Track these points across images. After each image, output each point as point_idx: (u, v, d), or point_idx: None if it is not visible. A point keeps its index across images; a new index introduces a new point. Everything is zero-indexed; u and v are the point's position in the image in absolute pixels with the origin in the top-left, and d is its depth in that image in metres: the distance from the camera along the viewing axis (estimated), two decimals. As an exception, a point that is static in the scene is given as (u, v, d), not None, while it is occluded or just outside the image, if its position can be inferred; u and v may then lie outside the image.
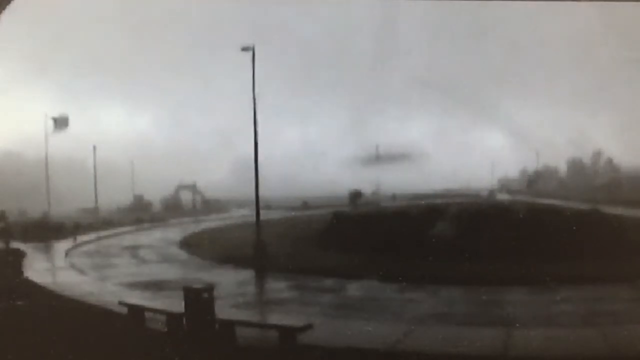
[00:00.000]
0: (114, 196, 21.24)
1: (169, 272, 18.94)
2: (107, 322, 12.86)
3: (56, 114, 18.92)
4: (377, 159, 21.55)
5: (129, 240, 23.58)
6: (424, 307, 14.81)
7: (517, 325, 12.61)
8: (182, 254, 21.90)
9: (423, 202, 22.94)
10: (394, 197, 23.82)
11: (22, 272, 17.36)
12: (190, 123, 20.26)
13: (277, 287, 17.55)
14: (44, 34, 16.78)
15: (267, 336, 11.83)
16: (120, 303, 13.81)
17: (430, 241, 17.26)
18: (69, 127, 19.02)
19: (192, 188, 25.05)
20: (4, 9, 11.48)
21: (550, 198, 21.56)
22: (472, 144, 20.84)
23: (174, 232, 24.94)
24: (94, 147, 20.71)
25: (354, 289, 16.67)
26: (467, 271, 15.87)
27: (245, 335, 12.09)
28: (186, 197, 25.43)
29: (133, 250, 22.35)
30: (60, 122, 18.89)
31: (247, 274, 18.95)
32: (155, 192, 23.81)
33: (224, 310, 12.94)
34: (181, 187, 24.89)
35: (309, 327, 11.78)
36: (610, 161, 22.07)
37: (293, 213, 24.18)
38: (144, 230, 24.96)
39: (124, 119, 19.80)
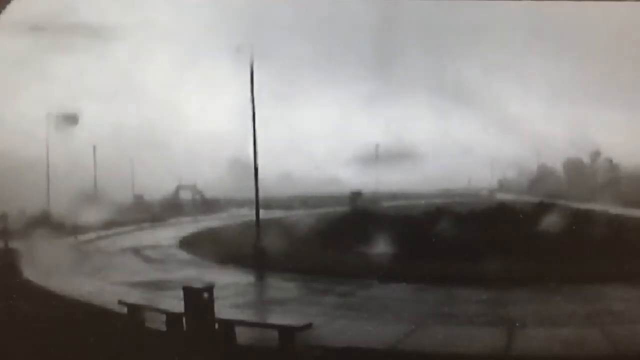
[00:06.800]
0: (114, 196, 21.24)
1: (169, 272, 18.94)
2: (107, 322, 12.85)
3: (60, 114, 18.97)
4: (377, 159, 21.56)
5: (129, 240, 23.59)
6: (425, 307, 14.80)
7: (518, 324, 12.61)
8: (182, 254, 21.91)
9: (423, 202, 22.97)
10: (394, 197, 23.83)
11: (21, 272, 17.35)
12: (190, 123, 20.27)
13: (277, 286, 17.56)
14: (43, 33, 16.78)
15: (267, 336, 11.82)
16: (120, 303, 13.81)
17: (430, 241, 17.26)
18: (72, 127, 19.07)
19: (192, 188, 25.06)
20: (4, 8, 11.47)
21: (550, 197, 21.55)
22: (472, 144, 20.84)
23: (173, 232, 24.95)
24: (94, 147, 20.72)
25: (354, 288, 16.65)
26: (467, 271, 15.87)
27: (245, 335, 12.09)
28: (186, 197, 25.44)
29: (133, 250, 22.36)
30: (70, 120, 18.93)
31: (247, 274, 18.95)
32: (155, 192, 23.83)
33: (223, 310, 12.93)
34: (181, 187, 24.90)
35: (308, 326, 11.77)
36: (609, 161, 22.09)
37: (293, 213, 24.18)
38: (144, 230, 24.98)
39: (124, 119, 19.80)
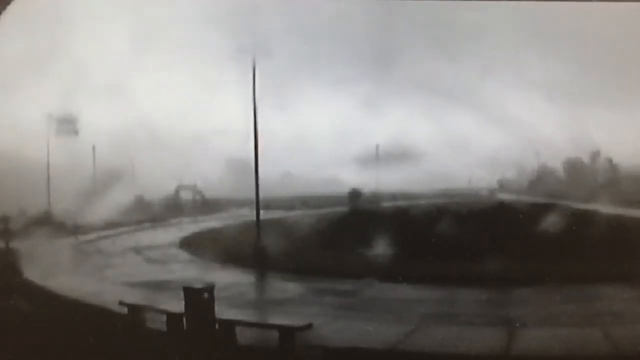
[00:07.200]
0: (114, 196, 21.23)
1: (169, 272, 18.94)
2: (107, 322, 12.86)
3: (60, 114, 19.00)
4: (377, 159, 21.56)
5: (129, 240, 23.56)
6: (425, 307, 14.81)
7: (518, 325, 12.62)
8: (183, 254, 21.90)
9: (423, 202, 22.96)
10: (394, 197, 23.80)
11: (22, 272, 17.35)
12: (190, 123, 20.25)
13: (278, 286, 17.56)
14: (44, 33, 16.79)
15: (267, 336, 11.83)
16: (121, 303, 13.82)
17: (430, 241, 17.25)
18: (73, 127, 19.09)
19: (192, 188, 25.03)
20: (4, 9, 11.48)
21: (550, 197, 21.54)
22: (472, 144, 20.82)
23: (174, 232, 24.93)
24: (94, 147, 20.71)
25: (354, 288, 16.66)
26: (467, 271, 15.87)
27: (246, 335, 12.10)
28: (186, 197, 25.41)
29: (133, 250, 22.35)
30: (70, 120, 18.96)
31: (248, 274, 18.95)
32: (156, 192, 23.79)
33: (224, 310, 12.94)
34: (181, 187, 24.87)
35: (308, 327, 11.79)
36: (609, 161, 22.07)
37: (293, 213, 24.17)
38: (144, 231, 24.94)
39: (124, 119, 19.78)
